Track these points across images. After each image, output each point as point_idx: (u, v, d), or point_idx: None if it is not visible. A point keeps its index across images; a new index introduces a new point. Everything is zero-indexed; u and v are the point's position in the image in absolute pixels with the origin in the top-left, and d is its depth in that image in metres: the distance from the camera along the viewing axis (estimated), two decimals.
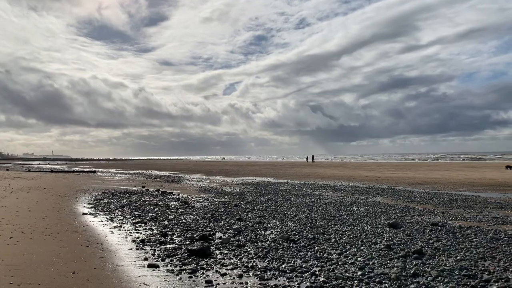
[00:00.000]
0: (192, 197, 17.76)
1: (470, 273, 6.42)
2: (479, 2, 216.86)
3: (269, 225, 10.73)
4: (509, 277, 6.20)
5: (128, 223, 11.13)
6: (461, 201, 15.78)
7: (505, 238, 8.95)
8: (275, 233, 9.67)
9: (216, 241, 8.80)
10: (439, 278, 6.21)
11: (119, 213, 12.93)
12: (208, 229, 10.14)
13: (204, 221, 11.35)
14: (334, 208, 14.05)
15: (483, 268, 6.69)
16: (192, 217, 12.08)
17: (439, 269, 6.62)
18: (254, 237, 9.24)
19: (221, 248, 8.15)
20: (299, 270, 6.62)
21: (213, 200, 16.68)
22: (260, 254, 7.66)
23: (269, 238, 9.07)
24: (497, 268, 6.67)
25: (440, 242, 8.60)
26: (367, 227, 10.37)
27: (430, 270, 6.57)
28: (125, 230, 10.10)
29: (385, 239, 8.87)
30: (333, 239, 8.94)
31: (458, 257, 7.38)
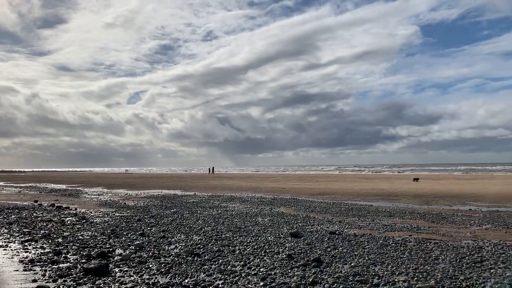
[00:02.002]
0: (91, 212, 16.71)
1: (362, 278, 6.89)
2: (372, 27, 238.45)
3: (173, 240, 10.49)
4: (395, 280, 6.77)
5: (16, 241, 10.12)
6: (356, 210, 16.94)
7: (393, 244, 9.76)
8: (180, 247, 9.48)
9: (116, 258, 8.35)
10: (335, 285, 6.56)
11: (6, 230, 11.70)
12: (108, 246, 9.59)
13: (104, 237, 10.73)
14: (240, 219, 14.20)
15: (373, 273, 7.22)
16: (90, 233, 11.35)
17: (335, 276, 6.99)
18: (157, 252, 8.96)
19: (121, 266, 7.76)
20: (202, 284, 6.55)
21: (114, 214, 15.86)
22: (163, 270, 7.43)
23: (173, 253, 8.86)
24: (385, 273, 7.25)
25: (337, 250, 9.11)
26: (271, 237, 10.63)
27: (327, 278, 6.91)
28: (11, 250, 9.15)
29: (287, 249, 9.16)
30: (238, 251, 9.01)
31: (352, 264, 7.87)
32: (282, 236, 10.90)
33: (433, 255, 8.56)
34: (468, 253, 8.72)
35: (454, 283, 6.61)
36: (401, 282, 6.70)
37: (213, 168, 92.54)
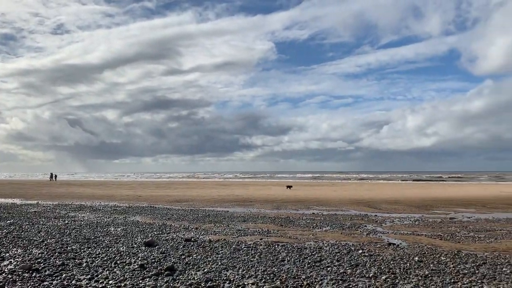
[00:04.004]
0: None
1: (214, 284, 7.03)
2: (232, 39, 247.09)
3: (7, 255, 9.26)
4: (245, 283, 7.08)
5: None
6: (213, 216, 17.26)
7: (245, 248, 10.20)
8: (15, 263, 8.41)
9: None
10: None
11: None
12: None
13: None
14: (89, 230, 13.24)
15: (225, 278, 7.42)
16: None
17: (187, 283, 7.00)
18: None
19: None
20: None
21: None
22: None
23: (6, 270, 7.81)
24: (236, 276, 7.52)
25: (191, 257, 9.13)
26: (123, 248, 10.15)
27: (179, 286, 6.88)
28: None
29: (139, 259, 8.85)
30: (85, 264, 8.39)
31: (205, 270, 7.98)
32: (135, 245, 10.50)
33: (280, 257, 9.19)
34: (310, 254, 9.58)
35: (297, 282, 7.19)
36: (250, 284, 7.03)
37: (55, 175, 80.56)
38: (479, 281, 7.30)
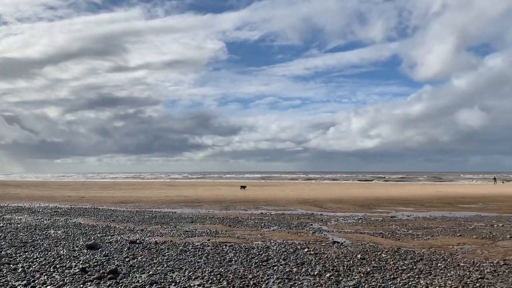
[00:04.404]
0: None
1: (159, 286, 6.89)
2: (182, 36, 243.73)
3: None
4: (191, 285, 7.00)
5: None
6: (160, 218, 16.92)
7: (192, 250, 10.08)
8: None
9: None
10: None
11: None
12: None
13: None
14: (27, 233, 12.54)
15: (171, 280, 7.30)
16: None
17: (131, 287, 6.81)
18: None
19: None
20: None
21: None
22: None
23: None
24: (182, 278, 7.41)
25: (136, 260, 8.89)
26: (63, 251, 9.70)
27: None
28: None
29: (81, 262, 8.50)
30: (21, 269, 7.92)
31: (150, 272, 7.80)
32: (77, 249, 10.07)
33: (227, 258, 9.18)
34: (257, 253, 9.65)
35: (243, 282, 7.20)
36: (196, 286, 6.95)
37: None
38: (416, 276, 7.67)
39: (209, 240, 11.51)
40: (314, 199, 28.84)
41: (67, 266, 8.17)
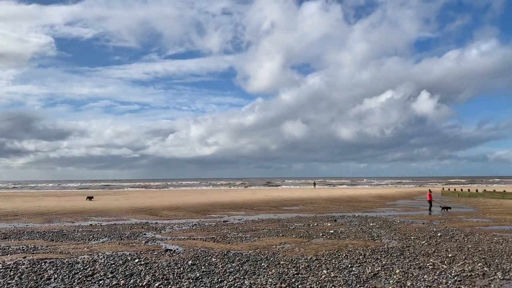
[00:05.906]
0: None
1: None
2: (1, 27, 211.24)
3: None
4: None
5: None
6: None
7: (2, 270, 8.80)
8: None
9: None
10: None
11: None
12: None
13: None
14: None
15: None
16: None
17: None
18: None
19: None
20: None
21: None
22: None
23: None
24: None
25: None
26: None
27: None
28: None
29: None
30: None
31: None
32: None
33: (46, 276, 8.29)
34: (82, 268, 8.95)
35: None
36: None
37: None
38: (242, 277, 8.14)
39: (25, 257, 10.22)
40: (150, 207, 28.24)
41: None
